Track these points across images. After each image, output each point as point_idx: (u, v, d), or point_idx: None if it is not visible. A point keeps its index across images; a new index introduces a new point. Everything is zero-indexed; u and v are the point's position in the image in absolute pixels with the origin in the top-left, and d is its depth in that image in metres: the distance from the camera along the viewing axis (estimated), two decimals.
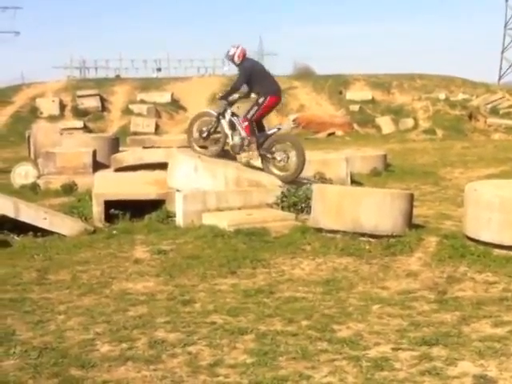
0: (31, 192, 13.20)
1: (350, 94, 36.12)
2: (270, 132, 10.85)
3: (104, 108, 33.82)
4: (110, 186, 10.75)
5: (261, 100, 10.60)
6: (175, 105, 34.83)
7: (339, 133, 31.39)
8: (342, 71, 39.59)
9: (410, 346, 4.99)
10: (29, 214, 8.99)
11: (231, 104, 10.87)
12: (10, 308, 6.07)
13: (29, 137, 21.43)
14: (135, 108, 33.63)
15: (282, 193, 9.89)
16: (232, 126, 10.78)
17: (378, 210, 8.07)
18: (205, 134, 10.96)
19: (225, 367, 4.64)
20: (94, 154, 14.66)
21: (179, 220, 9.48)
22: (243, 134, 10.66)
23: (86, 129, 29.49)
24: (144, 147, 15.88)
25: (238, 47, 10.75)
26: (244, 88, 10.93)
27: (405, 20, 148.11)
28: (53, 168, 14.20)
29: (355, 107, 34.53)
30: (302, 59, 47.70)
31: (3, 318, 5.75)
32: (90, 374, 4.51)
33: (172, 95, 35.18)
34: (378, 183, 12.95)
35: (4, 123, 32.23)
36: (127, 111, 33.52)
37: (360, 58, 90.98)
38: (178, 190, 10.02)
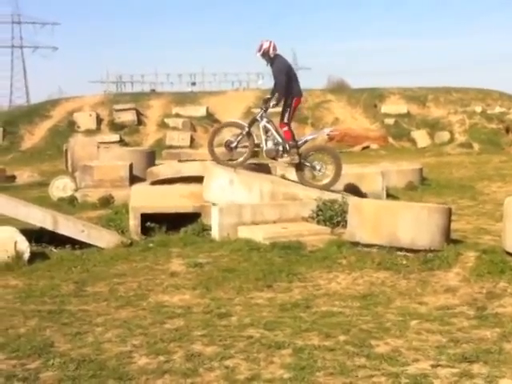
0: (69, 205, 13.37)
1: (384, 108, 35.95)
2: (307, 138, 11.04)
3: (140, 122, 34.18)
4: (147, 199, 10.82)
5: (289, 101, 10.68)
6: (210, 118, 35.02)
7: (374, 146, 31.25)
8: (376, 85, 39.46)
9: (449, 363, 4.91)
10: (67, 226, 9.08)
11: (267, 110, 10.78)
12: (48, 320, 6.13)
13: (66, 150, 21.78)
14: (170, 122, 33.92)
15: (318, 206, 9.85)
16: (266, 132, 10.77)
17: (415, 224, 7.99)
18: (234, 145, 10.82)
19: (262, 382, 4.61)
20: (131, 167, 14.81)
21: (215, 233, 9.50)
22: (279, 139, 10.70)
23: (122, 142, 29.84)
24: (179, 160, 15.97)
25: (270, 41, 10.69)
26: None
27: (440, 33, 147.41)
28: (90, 181, 14.38)
29: (390, 121, 34.35)
30: (336, 73, 47.68)
31: (42, 330, 5.81)
32: None
33: (207, 109, 35.39)
34: (414, 197, 12.83)
35: (42, 137, 32.74)
36: (163, 125, 33.82)
37: (395, 72, 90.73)
38: (213, 204, 10.05)
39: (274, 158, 11.10)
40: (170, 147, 26.85)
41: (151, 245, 9.33)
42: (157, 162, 16.80)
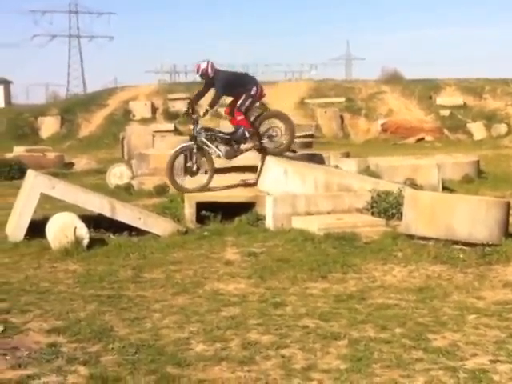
0: (125, 192, 13.56)
1: (440, 99, 35.37)
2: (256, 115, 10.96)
3: (194, 111, 34.40)
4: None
5: (253, 91, 10.56)
6: (263, 109, 35.01)
7: (428, 138, 30.82)
8: (431, 76, 38.87)
9: (509, 359, 4.83)
10: (124, 213, 9.23)
11: (197, 121, 10.57)
12: (107, 304, 6.26)
13: (123, 138, 22.10)
14: (223, 111, 34.05)
15: (372, 198, 9.80)
16: (212, 141, 10.58)
17: (472, 217, 7.87)
18: (194, 168, 10.58)
19: (318, 372, 4.63)
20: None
21: (269, 223, 9.54)
22: (227, 136, 10.60)
23: (176, 131, 30.04)
24: None
25: (207, 61, 10.58)
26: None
27: (498, 23, 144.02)
28: (146, 169, 14.56)
29: (445, 112, 33.81)
30: (391, 64, 47.23)
31: (101, 314, 5.93)
32: (185, 372, 4.59)
33: None
34: (470, 190, 12.60)
35: (99, 125, 33.30)
36: (216, 114, 33.91)
37: (450, 63, 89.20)
38: (267, 194, 10.08)
39: (235, 156, 10.87)
40: None
41: (206, 233, 9.41)
42: None
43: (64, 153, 23.02)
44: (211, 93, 11.01)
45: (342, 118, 35.17)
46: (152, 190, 13.53)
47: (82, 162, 20.53)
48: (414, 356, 4.89)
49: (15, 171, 16.83)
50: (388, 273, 7.36)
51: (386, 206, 9.61)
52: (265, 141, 10.87)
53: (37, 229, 8.93)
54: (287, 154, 11.14)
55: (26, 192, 9.17)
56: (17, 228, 8.94)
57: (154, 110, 34.10)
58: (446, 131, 32.17)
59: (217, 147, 10.59)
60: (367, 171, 13.89)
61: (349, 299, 6.42)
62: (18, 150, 21.72)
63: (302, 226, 9.09)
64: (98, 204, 9.22)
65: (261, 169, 10.97)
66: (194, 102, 10.91)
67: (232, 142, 10.63)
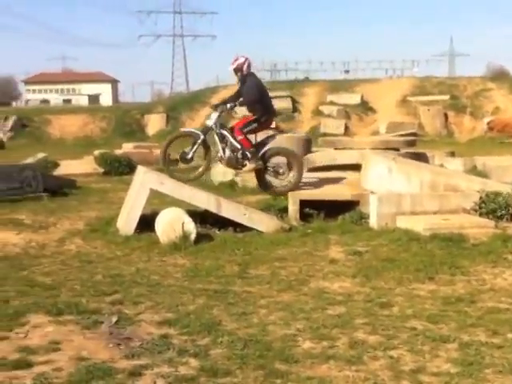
0: (229, 189, 13.77)
1: None
2: (265, 142, 10.41)
3: (295, 109, 34.53)
4: (305, 185, 10.95)
5: (263, 119, 10.17)
6: (365, 106, 34.77)
7: None
8: None
9: None
10: (230, 209, 9.39)
11: (221, 114, 10.13)
12: (215, 299, 6.39)
13: None
14: (325, 109, 34.02)
15: (481, 198, 9.51)
16: (222, 139, 10.15)
17: None
18: (189, 156, 10.14)
19: (428, 375, 4.56)
20: None
21: (373, 222, 9.45)
22: (237, 145, 10.05)
23: (277, 129, 30.24)
24: (336, 148, 15.98)
25: (246, 58, 10.17)
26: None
27: None
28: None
29: None
30: (496, 59, 45.82)
31: (209, 308, 6.07)
32: (293, 368, 4.63)
33: (362, 97, 35.10)
34: None
35: (202, 123, 33.90)
36: (317, 112, 33.99)
37: None
38: (371, 192, 9.99)
39: (234, 167, 10.55)
40: (325, 135, 26.92)
41: (309, 231, 9.43)
42: (313, 149, 16.88)
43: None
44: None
45: (445, 115, 34.36)
46: (255, 187, 13.66)
47: None
48: None
49: (124, 167, 17.43)
50: (498, 276, 7.13)
51: (495, 207, 9.31)
52: (271, 178, 10.45)
53: (146, 223, 9.23)
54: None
55: (137, 187, 9.50)
56: (128, 222, 9.27)
57: None
58: None
59: (223, 149, 10.16)
60: (474, 171, 13.54)
61: (457, 302, 6.27)
62: (127, 147, 22.47)
63: (406, 226, 8.95)
64: (205, 200, 9.42)
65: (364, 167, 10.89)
66: (229, 101, 10.24)
67: (239, 154, 10.16)
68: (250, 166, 10.19)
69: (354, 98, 34.91)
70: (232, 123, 10.61)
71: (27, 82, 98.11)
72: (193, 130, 10.69)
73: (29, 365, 4.66)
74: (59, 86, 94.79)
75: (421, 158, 13.30)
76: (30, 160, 16.71)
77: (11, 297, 6.37)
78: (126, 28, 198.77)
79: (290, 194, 10.39)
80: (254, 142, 10.42)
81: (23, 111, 42.71)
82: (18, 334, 5.33)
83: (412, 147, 15.27)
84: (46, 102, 79.34)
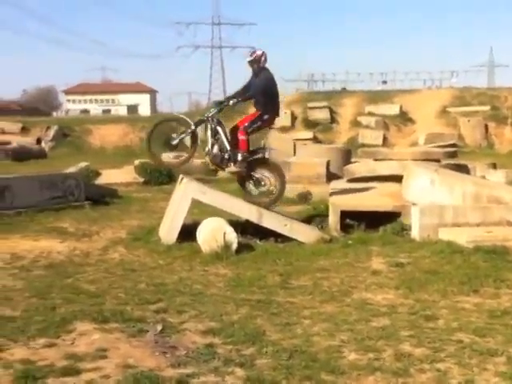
0: None
1: None
2: (257, 151, 10.11)
3: (333, 120, 34.47)
4: (346, 196, 10.92)
5: (266, 117, 9.90)
6: (403, 117, 34.53)
7: None
8: None
9: None
10: (271, 220, 9.41)
11: (221, 110, 9.87)
12: (257, 309, 6.39)
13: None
14: (363, 120, 33.87)
15: None
16: (214, 135, 9.86)
17: None
18: (175, 142, 9.81)
19: None
20: (328, 164, 14.99)
21: (415, 233, 9.38)
22: (227, 145, 9.79)
23: (315, 140, 30.24)
24: (375, 159, 15.91)
25: (263, 51, 9.93)
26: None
27: None
28: (289, 177, 14.70)
29: None
30: None
31: (253, 318, 6.07)
32: (339, 380, 4.61)
33: (400, 108, 34.88)
34: None
35: None
36: (355, 123, 33.86)
37: None
38: (413, 204, 9.91)
39: (218, 165, 10.19)
40: (363, 145, 26.82)
41: (350, 242, 9.40)
42: (352, 159, 16.84)
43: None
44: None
45: (486, 127, 33.95)
46: (295, 198, 13.68)
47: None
48: None
49: (164, 176, 17.58)
50: None
51: None
52: (252, 187, 10.13)
53: (187, 232, 9.29)
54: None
55: (179, 197, 9.56)
56: (169, 231, 9.34)
57: (293, 118, 34.44)
58: None
59: (212, 145, 9.88)
60: None
61: (504, 315, 6.18)
62: (166, 156, 22.59)
63: (449, 238, 8.87)
64: (247, 210, 9.45)
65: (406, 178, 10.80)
66: (234, 96, 9.99)
67: (226, 153, 9.88)
68: (233, 168, 9.89)
69: (392, 109, 34.69)
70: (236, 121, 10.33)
71: (67, 93, 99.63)
72: (185, 118, 10.33)
73: (77, 372, 4.71)
74: (99, 97, 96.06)
75: (462, 169, 13.17)
76: (72, 169, 16.94)
77: (57, 304, 6.46)
78: (164, 39, 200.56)
79: (330, 204, 10.37)
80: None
81: (64, 121, 43.33)
82: (65, 341, 5.40)
83: (453, 159, 15.13)
84: (85, 111, 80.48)
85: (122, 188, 16.16)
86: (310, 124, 33.56)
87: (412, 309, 6.41)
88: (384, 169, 13.64)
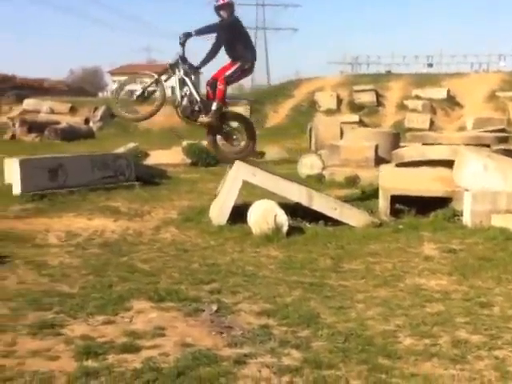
0: (316, 182, 13.76)
1: None
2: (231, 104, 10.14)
3: (379, 103, 34.08)
4: (396, 181, 10.82)
5: (247, 66, 9.72)
6: (451, 101, 33.90)
7: None
8: None
9: None
10: (321, 203, 9.40)
11: (185, 60, 9.47)
12: (311, 291, 6.42)
13: (310, 129, 22.39)
14: (410, 104, 33.38)
15: None
16: (182, 86, 9.53)
17: None
18: (138, 93, 9.48)
19: None
20: (376, 148, 14.88)
21: (466, 219, 9.29)
22: (196, 97, 9.52)
23: (360, 123, 29.94)
24: (424, 144, 15.72)
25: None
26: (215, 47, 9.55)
27: None
28: (337, 160, 14.69)
29: None
30: None
31: (306, 301, 6.10)
32: (397, 364, 4.61)
33: (448, 91, 34.30)
34: None
35: (285, 115, 33.99)
36: (402, 107, 33.40)
37: None
38: (466, 189, 9.80)
39: (188, 118, 9.77)
40: (410, 130, 26.44)
41: (401, 226, 9.37)
42: (401, 143, 16.67)
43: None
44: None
45: None
46: (343, 181, 13.65)
47: (272, 151, 21.03)
48: None
49: (211, 158, 17.65)
50: None
51: None
52: (222, 140, 10.10)
53: (238, 214, 9.35)
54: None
55: (231, 179, 9.61)
56: (221, 213, 9.41)
57: (339, 101, 34.18)
58: None
59: (181, 97, 9.58)
60: None
61: None
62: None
63: (502, 225, 8.78)
64: (297, 193, 9.47)
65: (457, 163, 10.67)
66: (196, 33, 9.33)
67: (196, 105, 9.61)
68: (204, 119, 9.65)
69: (440, 93, 34.06)
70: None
71: (113, 73, 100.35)
72: (147, 72, 10.13)
73: (137, 349, 4.80)
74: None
75: None
76: (121, 150, 17.13)
77: (114, 282, 6.58)
78: (209, 20, 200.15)
79: (380, 189, 10.32)
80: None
81: (111, 101, 43.65)
82: (124, 319, 5.50)
83: (504, 144, 14.86)
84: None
85: (170, 169, 16.31)
86: (355, 107, 33.19)
87: (466, 295, 6.37)
88: (434, 153, 13.44)
